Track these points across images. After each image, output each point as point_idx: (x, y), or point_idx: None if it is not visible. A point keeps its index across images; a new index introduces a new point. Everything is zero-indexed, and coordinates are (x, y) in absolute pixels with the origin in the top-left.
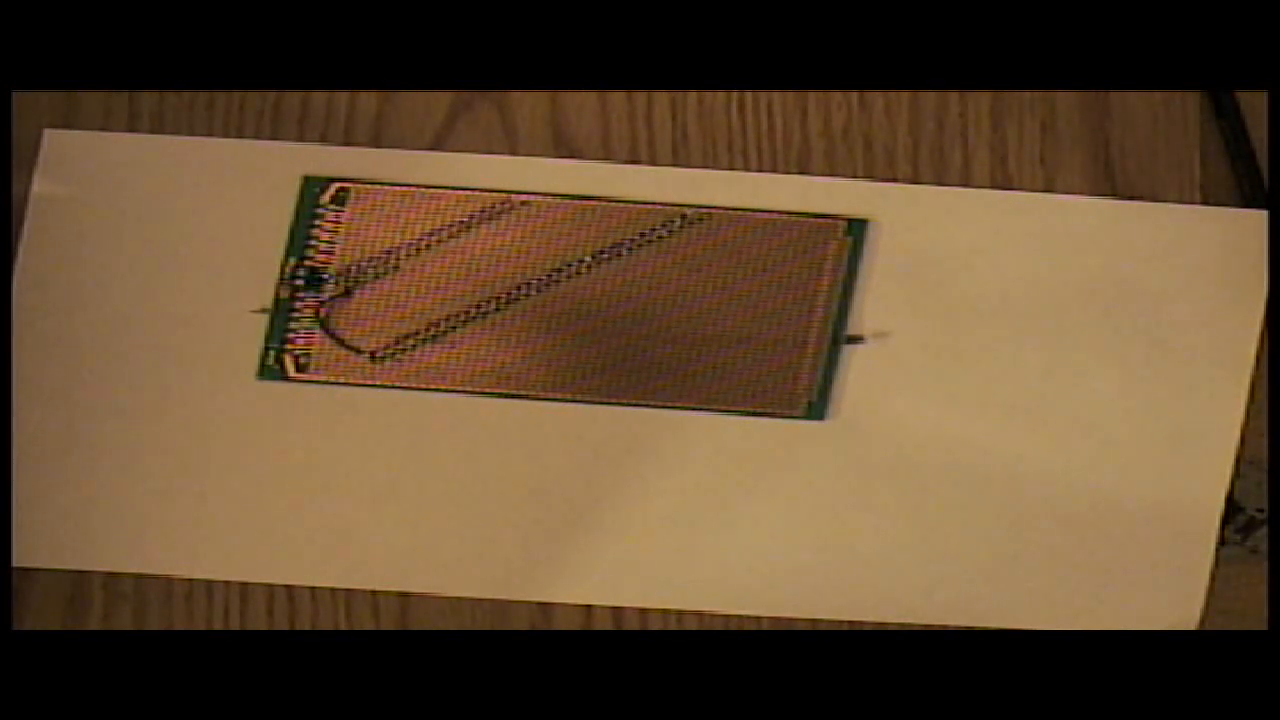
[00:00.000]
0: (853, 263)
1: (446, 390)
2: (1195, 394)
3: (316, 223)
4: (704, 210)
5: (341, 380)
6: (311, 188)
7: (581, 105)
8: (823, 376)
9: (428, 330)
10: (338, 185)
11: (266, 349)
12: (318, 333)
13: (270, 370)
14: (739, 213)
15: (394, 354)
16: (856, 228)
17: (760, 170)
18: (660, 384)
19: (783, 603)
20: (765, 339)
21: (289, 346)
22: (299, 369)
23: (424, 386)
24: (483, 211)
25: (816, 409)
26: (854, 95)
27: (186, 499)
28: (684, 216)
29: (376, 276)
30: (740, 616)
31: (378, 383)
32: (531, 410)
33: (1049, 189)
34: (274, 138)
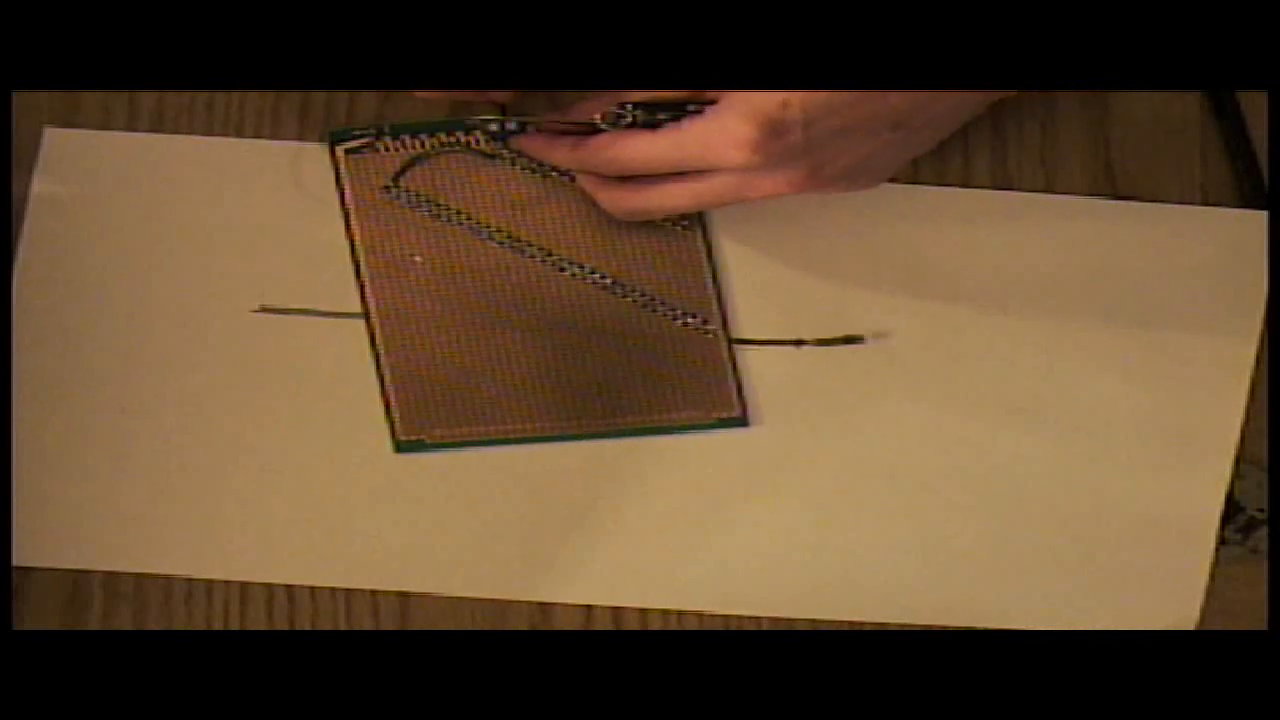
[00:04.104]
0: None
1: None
2: (1195, 394)
3: None
4: None
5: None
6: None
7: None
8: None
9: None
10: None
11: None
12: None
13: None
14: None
15: None
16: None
17: None
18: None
19: (782, 603)
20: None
21: None
22: None
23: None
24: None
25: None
26: None
27: (186, 499)
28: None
29: None
30: (740, 617)
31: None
32: None
33: (1049, 189)
34: (274, 138)
